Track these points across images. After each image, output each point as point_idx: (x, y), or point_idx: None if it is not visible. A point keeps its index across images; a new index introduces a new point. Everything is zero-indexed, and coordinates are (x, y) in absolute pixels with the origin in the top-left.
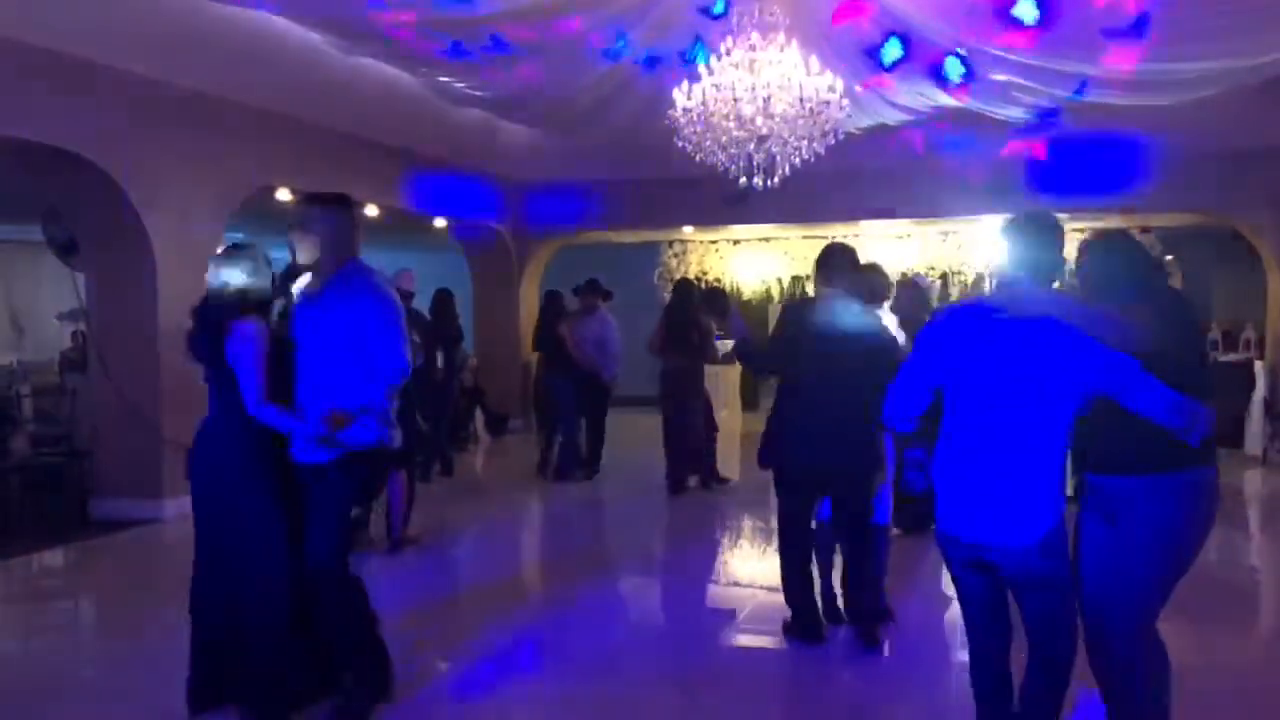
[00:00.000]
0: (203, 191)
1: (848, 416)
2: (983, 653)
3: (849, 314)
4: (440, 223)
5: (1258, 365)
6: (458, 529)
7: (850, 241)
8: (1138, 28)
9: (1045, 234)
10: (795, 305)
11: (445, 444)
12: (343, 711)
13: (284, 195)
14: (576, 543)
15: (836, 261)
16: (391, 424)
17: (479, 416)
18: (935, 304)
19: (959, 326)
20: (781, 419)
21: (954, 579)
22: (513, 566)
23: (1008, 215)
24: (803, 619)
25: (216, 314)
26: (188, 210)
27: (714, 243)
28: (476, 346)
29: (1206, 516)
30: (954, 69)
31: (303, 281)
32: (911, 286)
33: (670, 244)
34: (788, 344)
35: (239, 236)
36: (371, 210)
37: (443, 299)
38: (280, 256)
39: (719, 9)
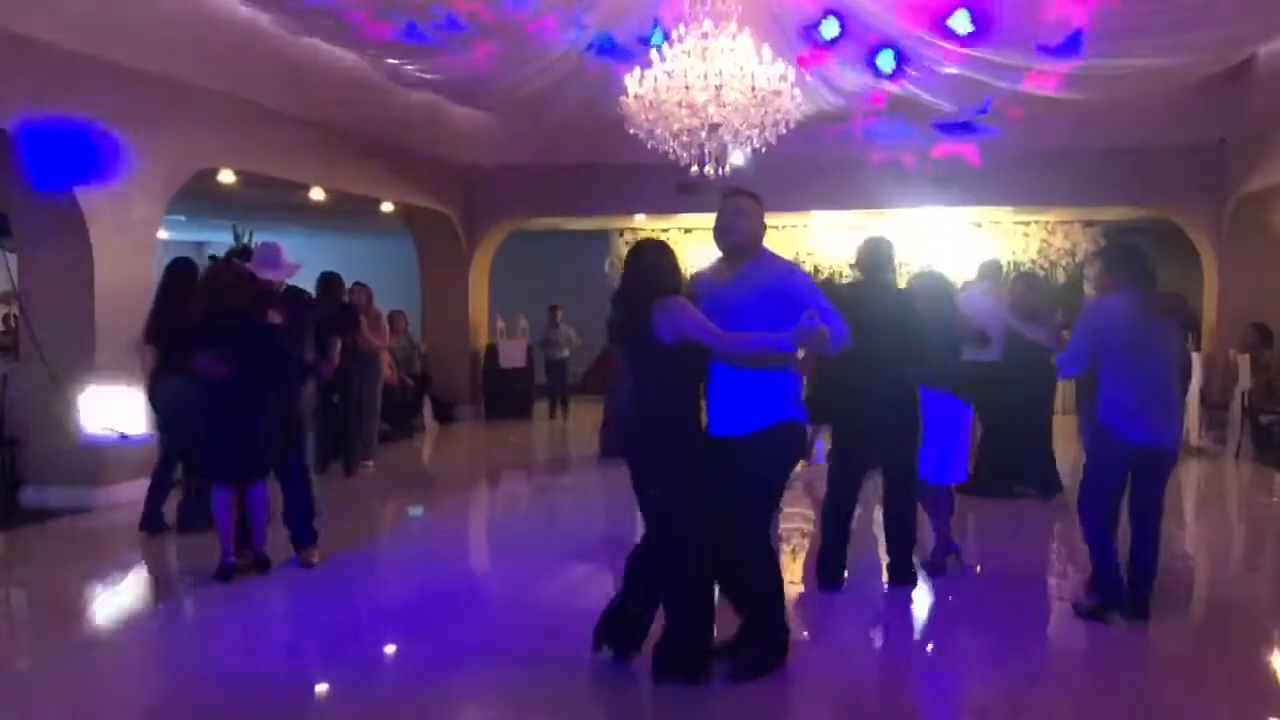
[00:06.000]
0: (142, 172)
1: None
2: (1108, 521)
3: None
4: (388, 207)
5: (1195, 356)
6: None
7: (799, 231)
8: (1071, 45)
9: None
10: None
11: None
12: (746, 666)
13: (227, 178)
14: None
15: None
16: (799, 400)
17: (426, 404)
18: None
19: (1120, 309)
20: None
21: (1107, 472)
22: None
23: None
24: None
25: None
26: (126, 191)
27: (665, 231)
28: (424, 333)
29: None
30: (886, 61)
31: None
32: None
33: (621, 232)
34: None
35: (180, 219)
36: (318, 194)
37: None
38: (223, 241)
39: (657, 40)
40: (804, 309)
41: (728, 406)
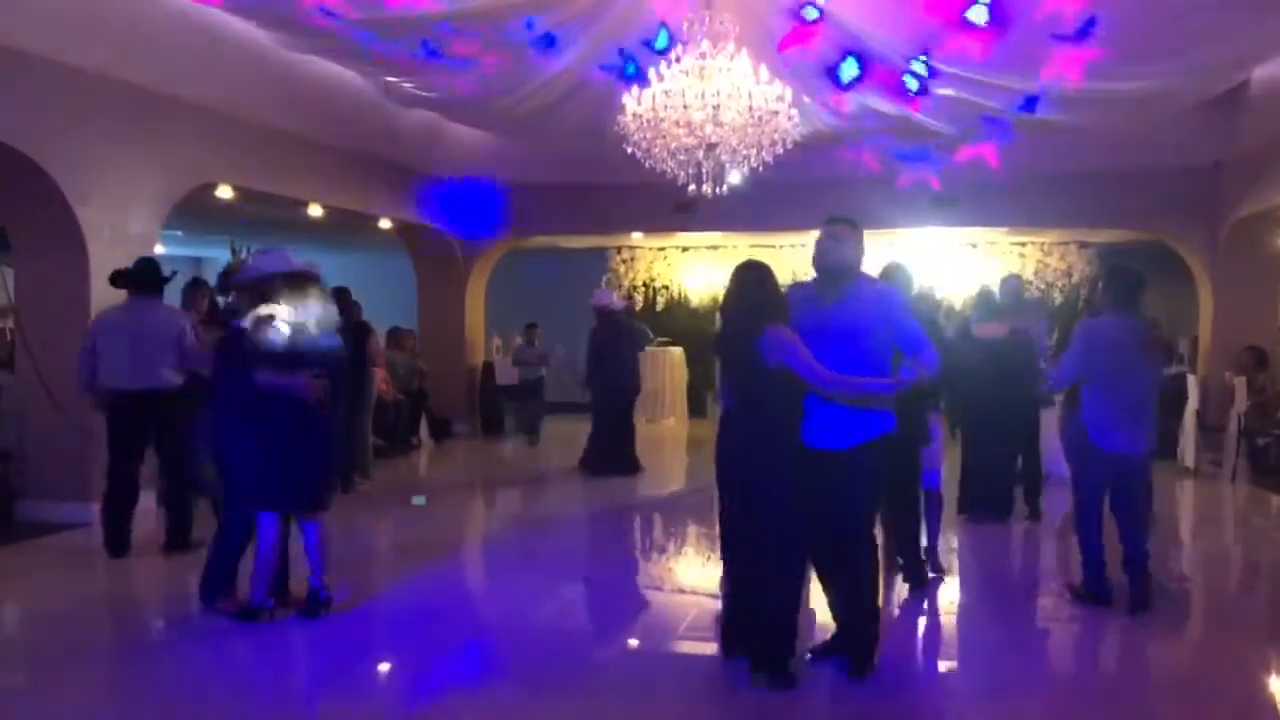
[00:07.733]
0: (140, 187)
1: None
2: (1098, 523)
3: None
4: (386, 224)
5: (1190, 379)
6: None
7: (795, 251)
8: (1084, 33)
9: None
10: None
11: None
12: (860, 664)
13: (224, 193)
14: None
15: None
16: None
17: (423, 421)
18: None
19: (1109, 329)
20: None
21: (1090, 479)
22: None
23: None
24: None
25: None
26: (124, 206)
27: (662, 249)
28: (421, 350)
29: None
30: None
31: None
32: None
33: (619, 250)
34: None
35: (177, 234)
36: (315, 210)
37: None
38: (219, 256)
39: (662, 43)
40: (899, 330)
41: (828, 420)
